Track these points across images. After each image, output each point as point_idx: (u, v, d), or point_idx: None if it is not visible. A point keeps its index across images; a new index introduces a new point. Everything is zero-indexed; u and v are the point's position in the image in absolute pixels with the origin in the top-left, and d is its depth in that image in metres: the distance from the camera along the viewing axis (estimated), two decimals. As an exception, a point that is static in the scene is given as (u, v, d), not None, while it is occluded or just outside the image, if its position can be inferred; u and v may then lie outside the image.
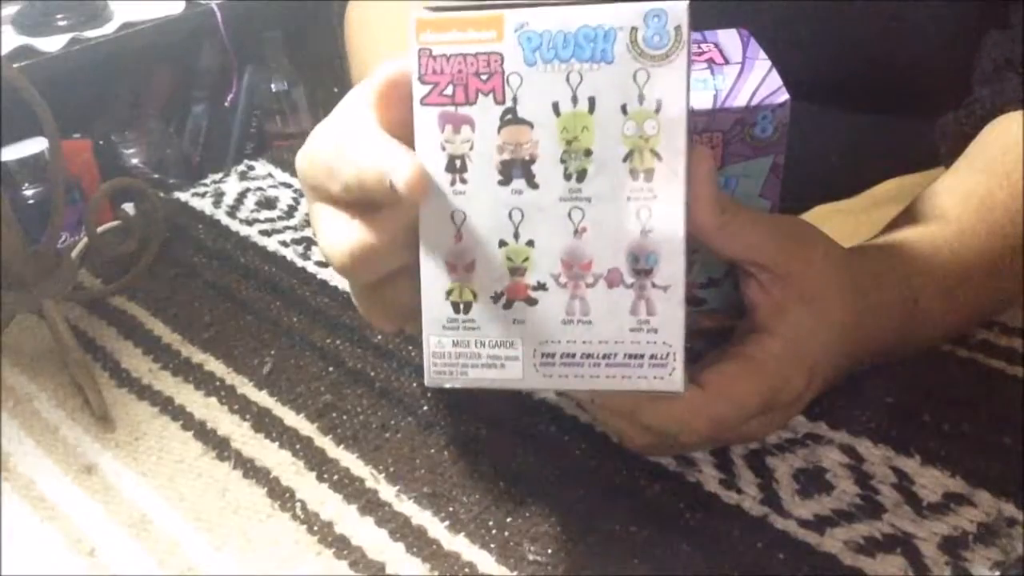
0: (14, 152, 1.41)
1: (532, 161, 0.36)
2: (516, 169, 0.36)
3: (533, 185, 0.36)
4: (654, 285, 0.36)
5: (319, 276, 0.60)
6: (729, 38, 0.51)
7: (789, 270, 0.42)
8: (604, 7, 0.35)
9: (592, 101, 0.35)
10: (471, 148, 0.36)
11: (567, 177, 0.36)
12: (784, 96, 0.46)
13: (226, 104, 1.76)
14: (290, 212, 0.68)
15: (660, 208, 0.36)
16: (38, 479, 0.47)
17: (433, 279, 0.36)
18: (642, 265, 0.36)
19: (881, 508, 0.42)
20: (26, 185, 1.42)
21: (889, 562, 0.40)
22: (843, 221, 0.55)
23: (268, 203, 0.69)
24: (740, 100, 0.46)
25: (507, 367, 0.37)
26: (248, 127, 1.78)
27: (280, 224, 0.67)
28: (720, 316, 0.50)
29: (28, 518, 0.45)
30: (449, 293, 0.36)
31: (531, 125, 0.35)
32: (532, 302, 0.36)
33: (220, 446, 0.48)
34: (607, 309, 0.36)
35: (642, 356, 0.36)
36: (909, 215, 0.51)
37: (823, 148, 0.63)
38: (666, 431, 0.41)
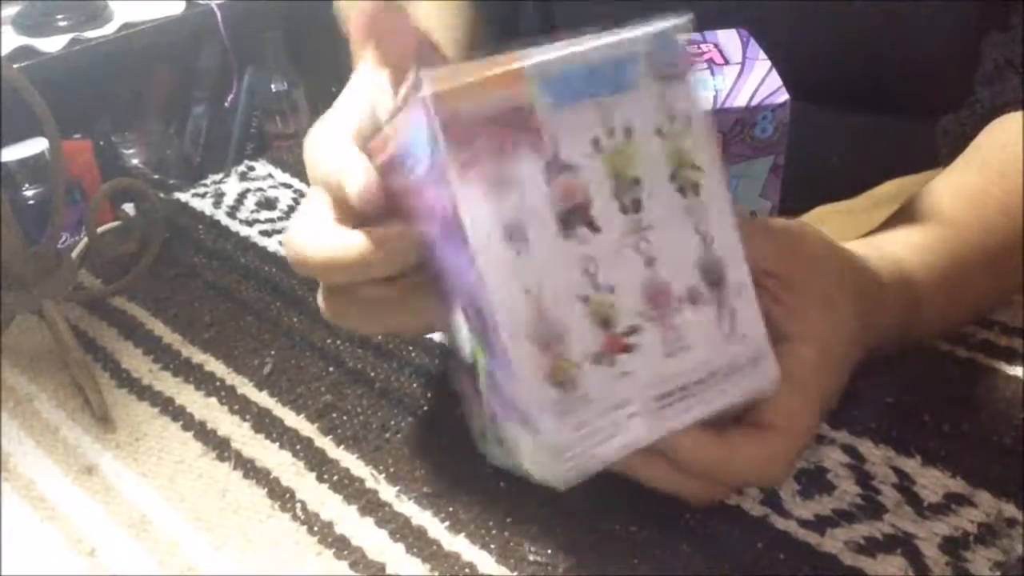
0: (14, 152, 1.41)
1: (588, 205, 0.34)
2: (575, 217, 0.34)
3: (595, 229, 0.34)
4: (729, 292, 0.36)
5: (319, 276, 0.60)
6: (729, 38, 0.51)
7: (793, 273, 0.41)
8: (616, 39, 0.35)
9: (629, 131, 0.35)
10: (523, 209, 0.33)
11: (624, 211, 0.35)
12: (784, 96, 0.46)
13: (226, 104, 1.76)
14: (290, 212, 0.68)
15: (714, 216, 0.36)
16: (38, 479, 0.47)
17: (529, 367, 0.33)
18: (714, 276, 0.36)
19: (882, 508, 0.42)
20: (26, 185, 1.42)
21: (889, 562, 0.40)
22: (843, 221, 0.55)
23: (268, 203, 0.69)
24: (740, 100, 0.46)
25: (631, 427, 0.34)
26: (248, 127, 1.78)
27: (280, 224, 0.67)
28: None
29: (28, 518, 0.45)
30: (549, 375, 0.33)
31: (577, 169, 0.34)
32: (630, 348, 0.35)
33: (220, 446, 0.48)
34: (698, 330, 0.36)
35: (741, 364, 0.36)
36: (904, 213, 0.51)
37: (823, 149, 0.63)
38: (746, 482, 0.41)
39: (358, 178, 0.38)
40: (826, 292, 0.42)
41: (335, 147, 0.40)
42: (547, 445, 0.33)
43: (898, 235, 0.49)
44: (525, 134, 0.33)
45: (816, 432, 0.41)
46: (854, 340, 0.42)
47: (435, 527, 0.43)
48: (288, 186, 0.71)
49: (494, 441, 0.38)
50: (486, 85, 0.33)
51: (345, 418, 0.49)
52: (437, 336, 0.53)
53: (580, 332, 0.34)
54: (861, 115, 0.64)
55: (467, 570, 0.41)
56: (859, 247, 0.48)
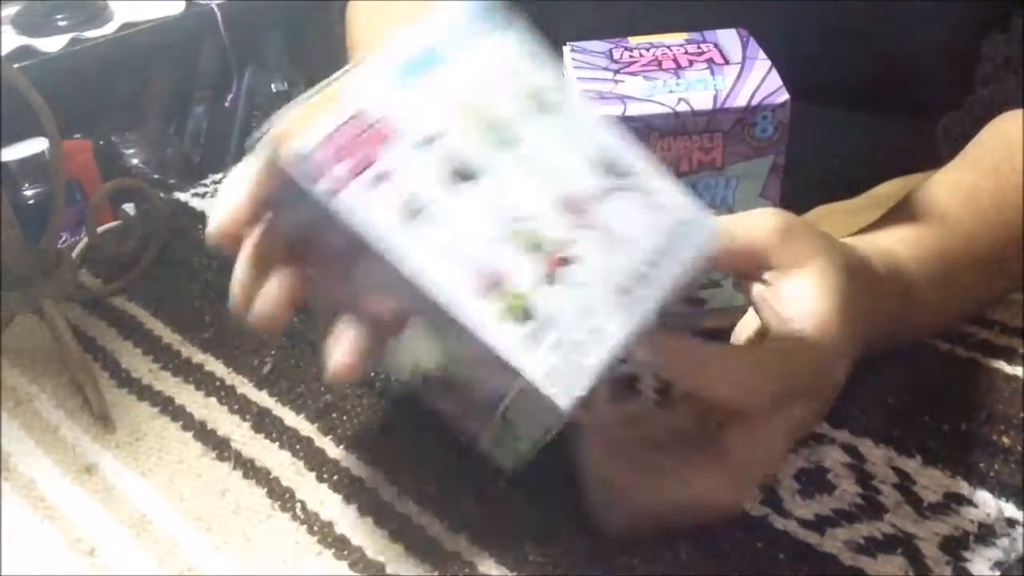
0: (14, 152, 1.41)
1: (468, 158, 0.35)
2: (462, 173, 0.35)
3: (486, 175, 0.35)
4: (636, 176, 0.37)
5: (319, 276, 0.60)
6: (729, 38, 0.51)
7: (789, 262, 0.42)
8: (436, 21, 0.37)
9: (480, 84, 0.36)
10: (411, 189, 0.34)
11: (505, 149, 0.36)
12: (784, 96, 0.46)
13: (226, 104, 1.76)
14: (290, 212, 0.68)
15: (588, 124, 0.38)
16: (38, 479, 0.47)
17: (485, 318, 0.33)
18: (615, 169, 0.37)
19: (882, 508, 0.42)
20: (26, 185, 1.42)
21: (890, 562, 0.40)
22: (843, 220, 0.55)
23: (268, 203, 0.69)
24: (740, 100, 0.46)
25: (606, 328, 0.34)
26: (248, 127, 1.78)
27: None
28: (720, 316, 0.50)
29: (28, 518, 0.45)
30: (503, 314, 0.34)
31: (443, 133, 0.35)
32: (571, 260, 0.35)
33: (220, 446, 0.48)
34: (625, 219, 0.36)
35: (680, 233, 0.37)
36: (899, 209, 0.51)
37: (823, 149, 0.63)
38: (735, 390, 0.39)
39: (212, 219, 0.39)
40: (826, 274, 0.42)
41: (232, 179, 0.40)
42: (537, 379, 0.33)
43: (892, 230, 0.49)
44: (379, 129, 0.34)
45: (807, 388, 0.41)
46: (855, 322, 0.42)
47: (435, 527, 0.43)
48: (288, 186, 0.71)
49: (507, 435, 0.37)
50: (317, 108, 0.34)
51: (345, 418, 0.49)
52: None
53: (517, 266, 0.34)
54: (861, 115, 0.64)
55: (467, 570, 0.41)
56: (854, 241, 0.48)
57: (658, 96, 0.46)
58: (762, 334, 0.44)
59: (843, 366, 0.42)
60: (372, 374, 0.52)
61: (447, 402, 0.38)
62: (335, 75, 0.36)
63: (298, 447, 0.48)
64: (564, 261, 0.35)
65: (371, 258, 0.34)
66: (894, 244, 0.48)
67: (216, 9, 1.59)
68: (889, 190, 0.63)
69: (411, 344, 0.36)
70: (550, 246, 0.35)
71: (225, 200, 0.38)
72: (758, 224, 0.42)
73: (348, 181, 0.33)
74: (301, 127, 0.34)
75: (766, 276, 0.42)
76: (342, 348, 0.36)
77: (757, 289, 0.43)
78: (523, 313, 0.34)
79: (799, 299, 0.41)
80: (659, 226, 0.37)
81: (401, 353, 0.37)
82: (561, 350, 0.34)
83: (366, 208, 0.33)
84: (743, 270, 0.43)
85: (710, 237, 0.38)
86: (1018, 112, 0.55)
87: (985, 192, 0.51)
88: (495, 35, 0.37)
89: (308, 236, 0.36)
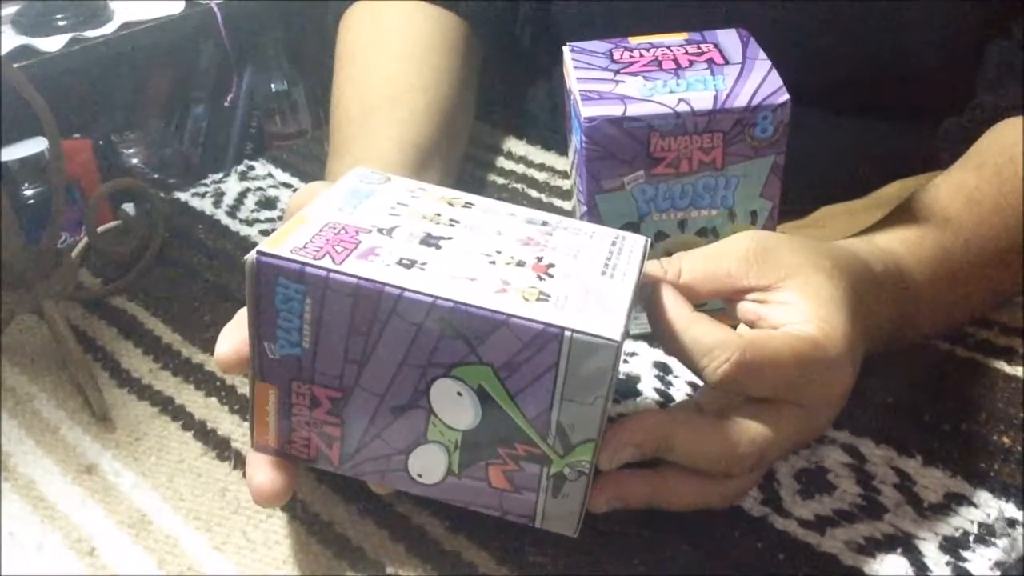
0: (14, 152, 1.41)
1: (431, 234, 0.40)
2: (430, 240, 0.39)
3: (448, 239, 0.39)
4: (556, 223, 0.42)
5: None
6: (729, 38, 0.51)
7: (770, 279, 0.42)
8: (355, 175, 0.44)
9: (413, 192, 0.43)
10: (398, 257, 0.37)
11: (451, 225, 0.40)
12: (784, 96, 0.46)
13: (226, 104, 1.76)
14: (290, 212, 0.68)
15: (501, 206, 0.43)
16: (38, 479, 0.47)
17: (511, 305, 0.36)
18: (539, 222, 0.42)
19: (882, 508, 0.42)
20: (26, 185, 1.42)
21: (890, 562, 0.40)
22: (846, 222, 0.55)
23: (268, 203, 0.69)
24: (740, 100, 0.46)
25: (610, 293, 0.38)
26: (248, 127, 1.78)
27: (280, 224, 0.67)
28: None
29: (28, 518, 0.45)
30: (528, 301, 0.36)
31: (397, 224, 0.40)
32: (552, 266, 0.39)
33: (220, 446, 0.48)
34: (565, 241, 0.41)
35: (614, 241, 0.41)
36: (900, 211, 0.51)
37: (824, 153, 0.63)
38: (706, 461, 0.40)
39: (218, 349, 0.41)
40: (810, 283, 0.42)
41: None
42: (583, 327, 0.36)
43: (893, 231, 0.49)
44: (350, 231, 0.38)
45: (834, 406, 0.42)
46: (854, 323, 0.42)
47: (435, 527, 0.43)
48: (288, 186, 0.71)
49: (562, 465, 0.38)
50: (287, 232, 0.38)
51: (345, 418, 0.49)
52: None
53: (515, 275, 0.38)
54: (862, 119, 0.64)
55: (467, 570, 0.41)
56: (853, 242, 0.48)
57: (658, 96, 0.46)
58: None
59: (849, 369, 0.41)
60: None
61: (486, 492, 0.39)
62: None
63: (298, 447, 0.48)
64: (547, 267, 0.39)
65: (380, 322, 0.37)
66: (894, 244, 0.48)
67: (216, 9, 1.59)
68: (892, 192, 0.63)
69: (442, 420, 0.38)
70: (530, 261, 0.39)
71: (227, 338, 0.41)
72: (730, 252, 0.42)
73: (343, 255, 0.37)
74: (282, 239, 0.37)
75: (751, 298, 0.42)
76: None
77: (745, 311, 0.43)
78: (541, 296, 0.37)
79: (789, 314, 0.41)
80: (599, 243, 0.41)
81: (436, 446, 0.39)
82: (587, 312, 0.36)
83: (369, 267, 0.36)
84: (729, 297, 0.43)
85: (642, 241, 0.42)
86: (1020, 118, 0.55)
87: (987, 195, 0.51)
88: (392, 181, 0.44)
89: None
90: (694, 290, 0.42)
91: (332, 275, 0.36)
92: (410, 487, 0.40)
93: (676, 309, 0.40)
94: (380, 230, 0.39)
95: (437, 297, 0.36)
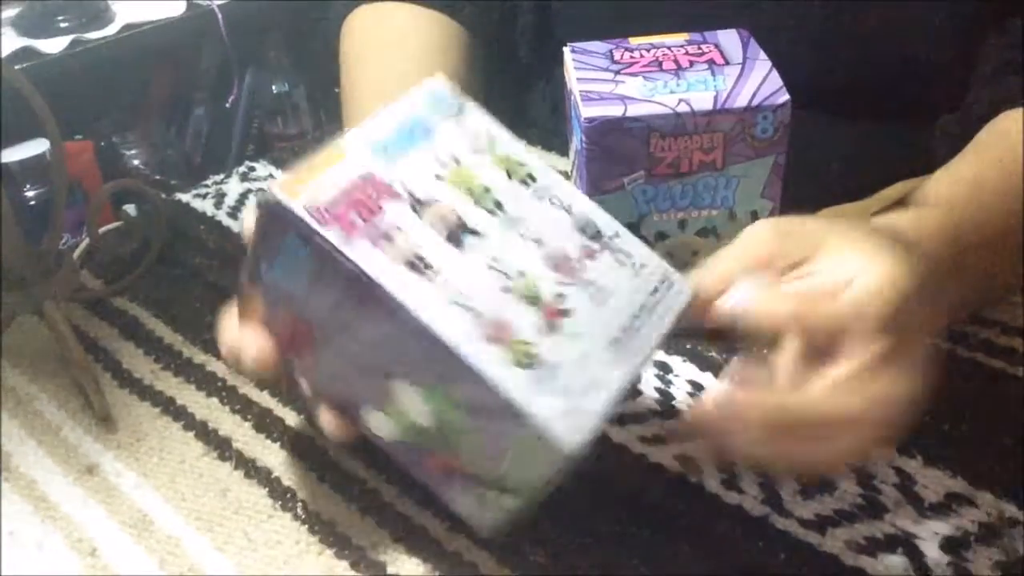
0: (16, 153, 1.41)
1: (462, 220, 0.37)
2: (458, 233, 0.37)
3: (479, 235, 0.37)
4: (610, 238, 0.39)
5: (320, 277, 0.60)
6: (729, 39, 0.51)
7: (815, 252, 0.40)
8: (401, 104, 0.40)
9: (456, 159, 0.39)
10: (415, 246, 0.36)
11: (492, 214, 0.38)
12: (784, 96, 0.46)
13: (227, 105, 1.76)
14: (291, 213, 0.68)
15: (559, 191, 0.40)
16: (39, 480, 0.47)
17: (495, 363, 0.34)
18: (592, 231, 0.39)
19: (883, 508, 0.42)
20: (28, 186, 1.42)
21: (890, 562, 0.40)
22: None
23: (269, 204, 0.69)
24: (741, 101, 0.46)
25: (604, 375, 0.36)
26: (249, 128, 1.78)
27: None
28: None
29: (29, 518, 0.45)
30: (513, 362, 0.35)
31: (436, 198, 0.37)
32: (567, 312, 0.37)
33: (221, 447, 0.48)
34: (609, 276, 0.38)
35: (658, 289, 0.39)
36: (901, 203, 0.51)
37: (823, 154, 0.63)
38: (836, 323, 0.38)
39: (249, 353, 0.41)
40: (846, 235, 0.41)
41: (228, 323, 0.43)
42: (544, 422, 0.34)
43: (896, 214, 0.49)
44: (379, 192, 0.36)
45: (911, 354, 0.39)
46: (903, 269, 0.40)
47: (435, 527, 0.43)
48: (289, 187, 0.71)
49: (494, 496, 0.38)
50: (318, 168, 0.36)
51: (346, 418, 0.49)
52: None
53: (520, 316, 0.36)
54: (863, 121, 0.64)
55: (467, 570, 0.41)
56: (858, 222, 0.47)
57: (658, 96, 0.46)
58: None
59: (918, 314, 0.39)
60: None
61: (420, 469, 0.39)
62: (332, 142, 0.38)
63: (299, 448, 0.48)
64: (561, 313, 0.37)
65: (369, 310, 0.35)
66: (901, 223, 0.47)
67: (217, 10, 1.59)
68: (894, 194, 0.63)
69: (398, 406, 0.37)
70: (546, 299, 0.37)
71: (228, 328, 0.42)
72: (753, 238, 0.41)
73: (358, 229, 0.35)
74: (308, 178, 0.36)
75: (793, 276, 0.40)
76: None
77: (792, 294, 0.41)
78: (528, 359, 0.35)
79: (840, 271, 0.39)
80: (639, 285, 0.39)
81: (386, 416, 0.38)
82: (566, 396, 0.35)
83: (375, 259, 0.35)
84: (767, 292, 0.41)
85: (686, 297, 0.40)
86: (1019, 111, 0.55)
87: (989, 181, 0.51)
88: (463, 113, 0.41)
89: (300, 292, 0.37)
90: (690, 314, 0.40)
91: (337, 253, 0.35)
92: (364, 431, 0.39)
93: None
94: (413, 201, 0.37)
95: (426, 325, 0.34)
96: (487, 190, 0.39)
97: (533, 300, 0.36)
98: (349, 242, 0.35)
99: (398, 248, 0.36)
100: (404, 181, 0.37)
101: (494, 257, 0.37)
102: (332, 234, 0.35)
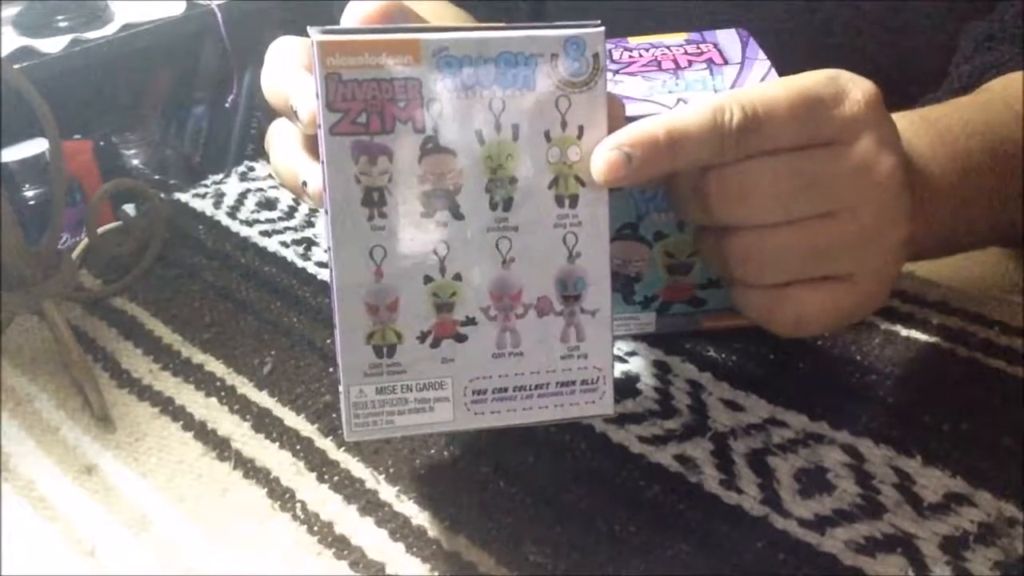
0: (15, 153, 1.42)
1: (456, 191, 0.34)
2: (440, 200, 0.34)
3: (458, 216, 0.35)
4: (583, 310, 0.36)
5: (319, 276, 0.60)
6: (728, 38, 0.51)
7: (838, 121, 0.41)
8: (523, 34, 0.34)
9: (516, 128, 0.34)
10: (389, 180, 0.34)
11: (493, 207, 0.35)
12: (784, 96, 0.46)
13: (227, 105, 1.76)
14: (290, 213, 0.68)
15: (585, 233, 0.36)
16: (38, 480, 0.47)
17: (352, 323, 0.34)
18: (570, 291, 0.36)
19: (882, 508, 0.42)
20: (27, 186, 1.42)
21: (890, 562, 0.40)
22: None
23: (268, 204, 0.69)
24: (740, 100, 0.46)
25: (436, 409, 0.35)
26: (248, 128, 1.79)
27: (280, 225, 0.67)
28: (721, 316, 0.50)
29: (28, 518, 0.45)
30: (370, 337, 0.34)
31: (454, 154, 0.34)
32: (461, 338, 0.35)
33: (220, 446, 0.48)
34: (538, 339, 0.36)
35: (573, 383, 0.36)
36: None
37: None
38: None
39: (306, 108, 0.36)
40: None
41: (289, 72, 0.39)
42: (346, 396, 0.34)
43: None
44: (407, 107, 0.33)
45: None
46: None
47: (435, 527, 0.43)
48: (288, 186, 0.71)
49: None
50: (378, 48, 0.33)
51: (345, 418, 0.49)
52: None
53: (415, 308, 0.34)
54: None
55: (467, 570, 0.41)
56: None
57: (657, 96, 0.46)
58: None
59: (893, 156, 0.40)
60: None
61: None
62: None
63: (298, 447, 0.48)
64: (456, 336, 0.35)
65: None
66: (906, 134, 0.46)
67: (217, 10, 1.59)
68: None
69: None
70: (455, 315, 0.35)
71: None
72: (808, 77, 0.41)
73: (348, 125, 0.33)
74: (360, 48, 0.33)
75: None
76: None
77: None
78: (385, 347, 0.34)
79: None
80: (560, 369, 0.37)
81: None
82: (383, 398, 0.34)
83: (341, 162, 0.33)
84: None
85: (603, 410, 0.39)
86: (1006, 75, 0.55)
87: (995, 93, 0.52)
88: (571, 88, 0.35)
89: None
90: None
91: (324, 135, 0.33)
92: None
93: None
94: (428, 140, 0.34)
95: (330, 267, 0.34)
96: (513, 181, 0.35)
97: (441, 307, 0.35)
98: (335, 131, 0.33)
99: (373, 170, 0.33)
100: (442, 115, 0.34)
101: (449, 245, 0.35)
102: (326, 112, 0.33)
